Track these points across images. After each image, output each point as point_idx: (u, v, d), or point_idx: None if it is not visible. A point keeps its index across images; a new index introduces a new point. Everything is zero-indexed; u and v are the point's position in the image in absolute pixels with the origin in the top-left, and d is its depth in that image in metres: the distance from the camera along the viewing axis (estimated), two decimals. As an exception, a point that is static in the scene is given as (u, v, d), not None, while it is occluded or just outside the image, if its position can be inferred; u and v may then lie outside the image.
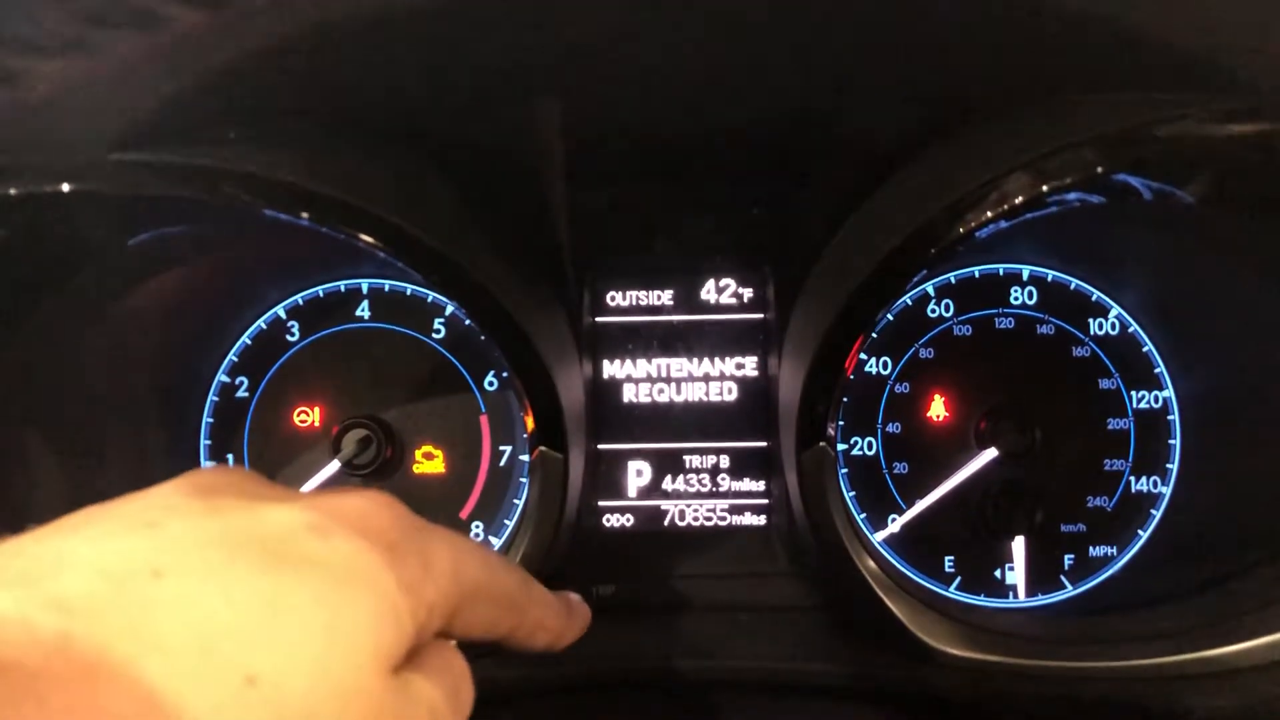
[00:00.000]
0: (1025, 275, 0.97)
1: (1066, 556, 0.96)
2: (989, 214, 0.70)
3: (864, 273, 0.76)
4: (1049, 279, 0.97)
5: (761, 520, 0.98)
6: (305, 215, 0.71)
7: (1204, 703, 0.76)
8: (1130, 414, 0.96)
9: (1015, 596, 0.95)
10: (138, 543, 0.41)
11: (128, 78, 0.61)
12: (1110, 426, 0.96)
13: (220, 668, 0.38)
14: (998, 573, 0.96)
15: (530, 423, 0.82)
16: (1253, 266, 0.87)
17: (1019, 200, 0.69)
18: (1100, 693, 0.79)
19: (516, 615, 0.56)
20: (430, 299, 0.99)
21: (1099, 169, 0.66)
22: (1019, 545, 0.93)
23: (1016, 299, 0.97)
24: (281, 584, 0.42)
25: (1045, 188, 0.68)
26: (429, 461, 0.98)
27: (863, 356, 0.97)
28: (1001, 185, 0.70)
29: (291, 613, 0.41)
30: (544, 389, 0.80)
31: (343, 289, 1.00)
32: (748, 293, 0.97)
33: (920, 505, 0.95)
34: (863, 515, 0.97)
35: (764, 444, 0.97)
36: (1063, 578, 0.96)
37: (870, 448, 0.97)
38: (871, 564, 0.84)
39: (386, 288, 1.00)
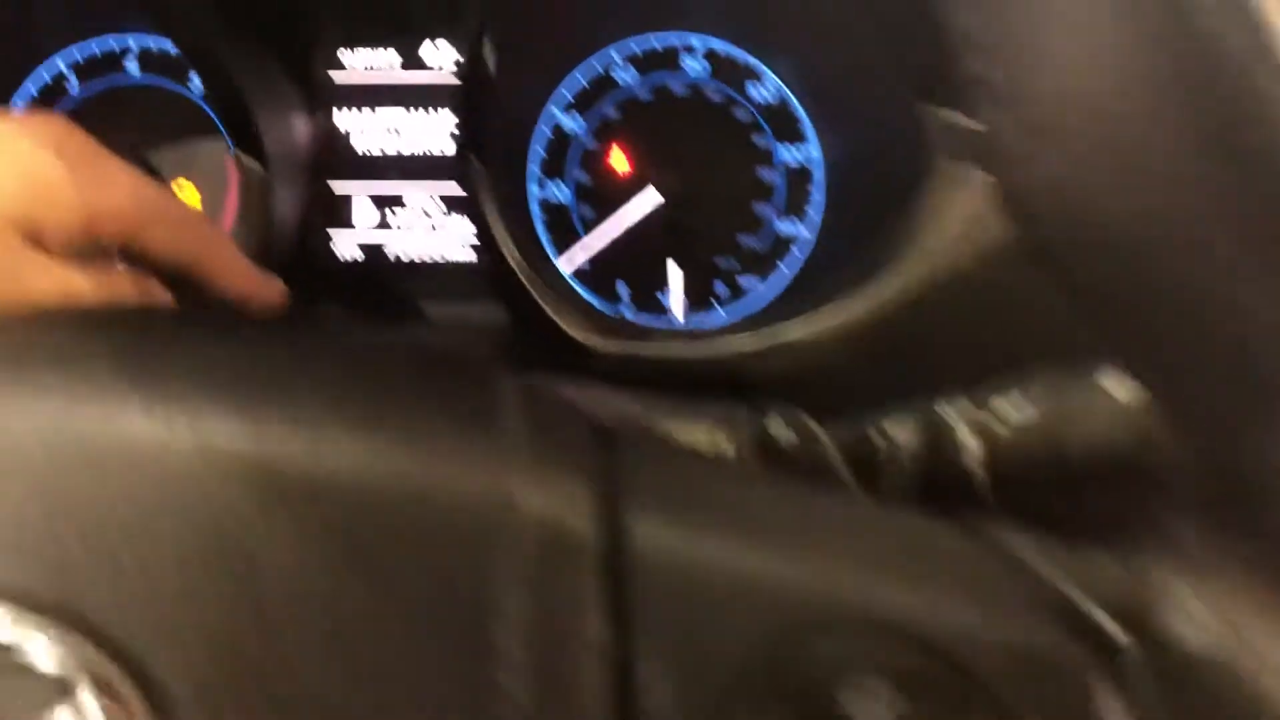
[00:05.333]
0: (698, 46, 1.13)
1: (719, 285, 1.13)
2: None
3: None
4: (719, 51, 1.13)
5: (474, 257, 1.14)
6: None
7: (758, 366, 0.94)
8: (779, 166, 1.12)
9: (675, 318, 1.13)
10: None
11: None
12: (762, 177, 1.13)
13: None
14: (661, 297, 1.13)
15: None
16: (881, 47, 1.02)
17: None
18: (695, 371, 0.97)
19: (202, 241, 0.54)
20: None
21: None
22: (674, 271, 1.10)
23: (692, 70, 1.13)
24: None
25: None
26: (182, 192, 1.14)
27: (559, 113, 1.13)
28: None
29: None
30: (234, 100, 0.95)
31: (115, 47, 1.14)
32: (467, 51, 1.11)
33: (597, 239, 1.12)
34: (556, 254, 1.14)
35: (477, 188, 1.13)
36: (714, 303, 1.13)
37: (563, 194, 1.14)
38: (551, 291, 1.00)
39: (153, 46, 1.14)
